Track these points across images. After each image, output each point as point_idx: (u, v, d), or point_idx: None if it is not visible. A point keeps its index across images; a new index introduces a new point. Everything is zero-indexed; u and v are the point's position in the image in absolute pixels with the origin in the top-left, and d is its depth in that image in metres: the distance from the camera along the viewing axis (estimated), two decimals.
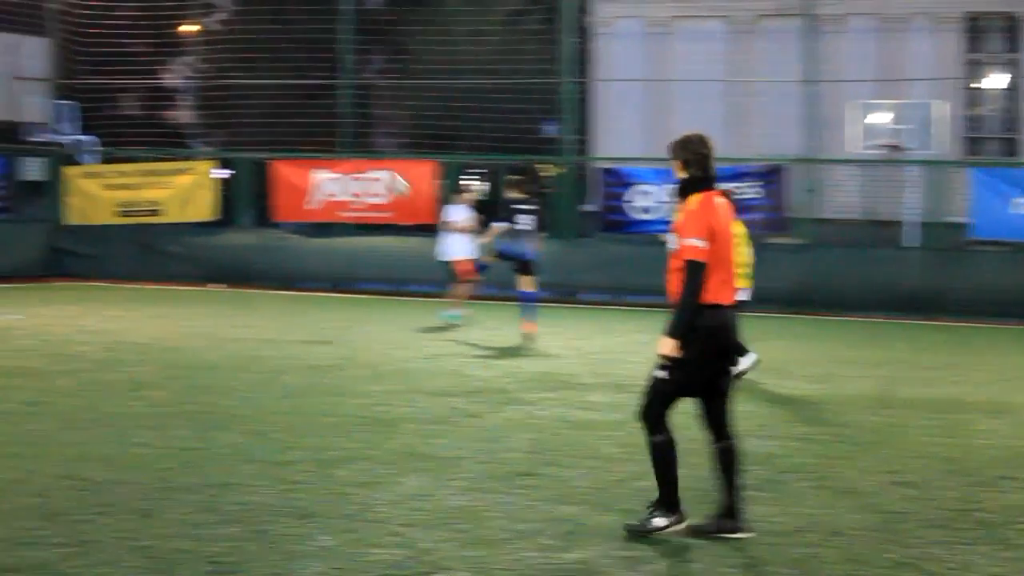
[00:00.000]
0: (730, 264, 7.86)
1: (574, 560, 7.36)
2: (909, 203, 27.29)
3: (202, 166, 30.78)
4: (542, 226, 19.63)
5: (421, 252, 25.98)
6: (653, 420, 7.81)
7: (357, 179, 28.92)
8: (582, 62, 31.95)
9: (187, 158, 32.55)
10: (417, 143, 34.63)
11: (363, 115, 31.84)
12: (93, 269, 30.21)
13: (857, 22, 34.33)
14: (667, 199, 25.29)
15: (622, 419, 11.47)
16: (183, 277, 29.13)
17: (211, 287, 28.41)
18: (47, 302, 24.05)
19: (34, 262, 30.52)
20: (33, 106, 35.49)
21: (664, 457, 7.82)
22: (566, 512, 8.41)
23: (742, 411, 12.76)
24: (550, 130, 31.98)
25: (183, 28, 37.21)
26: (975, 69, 35.42)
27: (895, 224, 27.87)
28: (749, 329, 19.80)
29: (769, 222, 25.80)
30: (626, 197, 27.16)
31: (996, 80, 35.62)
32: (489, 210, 21.31)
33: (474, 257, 20.80)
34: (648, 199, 26.86)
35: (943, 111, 28.02)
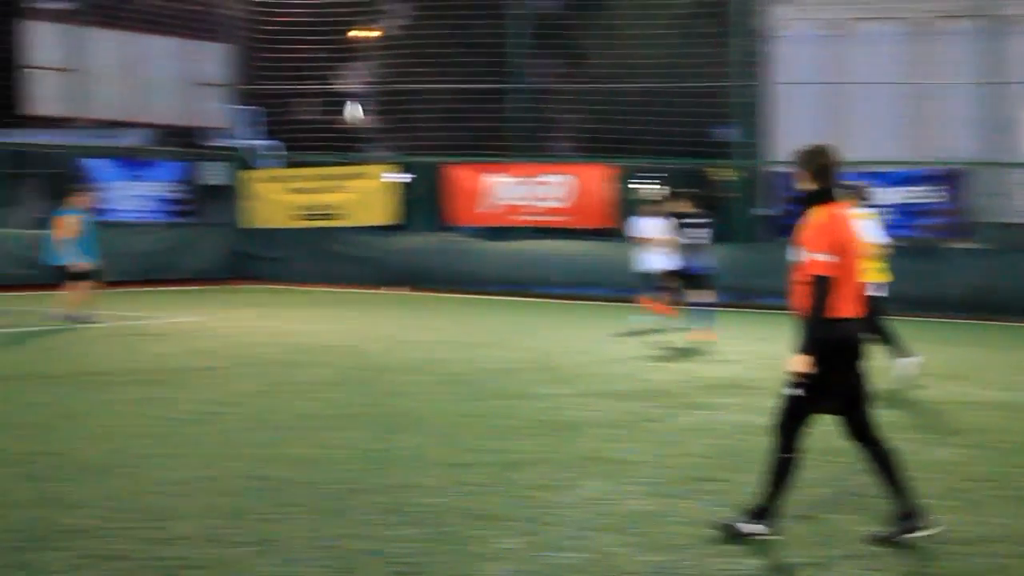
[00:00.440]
0: (857, 277, 7.75)
1: (757, 567, 7.32)
2: None
3: (378, 170, 31.20)
4: (715, 237, 19.60)
5: (597, 256, 26.00)
6: (785, 437, 7.73)
7: (532, 183, 29.08)
8: (757, 65, 31.66)
9: (364, 162, 33.01)
10: (590, 147, 34.62)
11: (536, 119, 31.96)
12: (273, 272, 30.86)
13: None
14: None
15: None
16: (361, 280, 29.56)
17: (388, 291, 28.76)
18: (229, 305, 24.63)
19: (216, 265, 31.25)
20: (213, 111, 36.30)
21: (783, 473, 7.73)
22: None
23: (915, 417, 12.58)
24: (725, 134, 31.73)
25: (357, 33, 37.69)
26: None
27: None
28: (928, 332, 19.60)
29: (949, 227, 25.30)
30: None
31: None
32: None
33: (674, 267, 20.22)
34: None
35: None
